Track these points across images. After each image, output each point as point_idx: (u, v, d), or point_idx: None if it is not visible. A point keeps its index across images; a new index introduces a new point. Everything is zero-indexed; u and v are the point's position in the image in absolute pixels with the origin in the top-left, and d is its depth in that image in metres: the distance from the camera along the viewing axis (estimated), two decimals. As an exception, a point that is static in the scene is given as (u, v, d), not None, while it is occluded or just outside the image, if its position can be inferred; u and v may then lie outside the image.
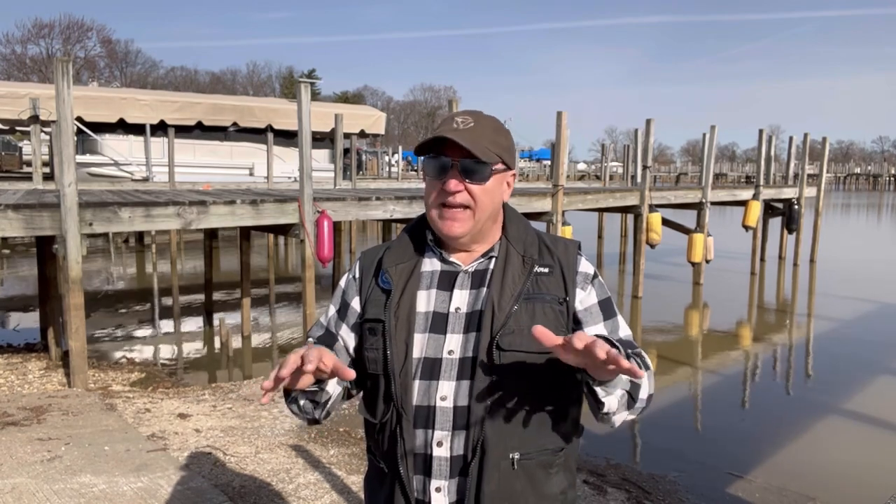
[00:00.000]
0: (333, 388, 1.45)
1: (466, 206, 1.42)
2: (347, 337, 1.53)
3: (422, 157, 1.47)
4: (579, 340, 1.16)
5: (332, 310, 1.58)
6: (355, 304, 1.53)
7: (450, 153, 1.41)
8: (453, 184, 1.41)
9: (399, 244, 1.54)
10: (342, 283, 1.59)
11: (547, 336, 1.20)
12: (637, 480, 4.94)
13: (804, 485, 5.05)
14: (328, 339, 1.54)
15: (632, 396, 1.35)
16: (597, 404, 1.33)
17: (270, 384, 1.22)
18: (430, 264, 1.50)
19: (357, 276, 1.55)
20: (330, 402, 1.47)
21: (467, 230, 1.43)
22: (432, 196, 1.45)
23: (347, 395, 1.56)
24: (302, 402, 1.44)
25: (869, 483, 5.16)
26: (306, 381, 1.31)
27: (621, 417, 1.38)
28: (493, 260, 1.47)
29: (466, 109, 1.50)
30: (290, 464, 4.54)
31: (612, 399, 1.32)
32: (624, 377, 1.29)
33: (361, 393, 1.54)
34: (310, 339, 1.59)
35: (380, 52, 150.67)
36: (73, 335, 6.24)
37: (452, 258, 1.49)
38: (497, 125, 1.47)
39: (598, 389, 1.30)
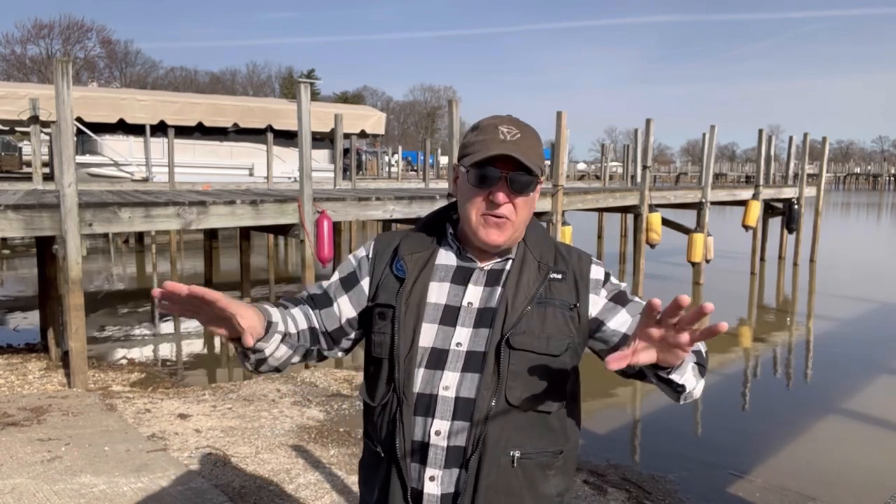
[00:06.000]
0: (274, 349, 1.40)
1: (509, 217, 1.44)
2: (345, 307, 1.53)
3: (464, 166, 1.45)
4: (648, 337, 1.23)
5: (336, 277, 1.57)
6: (364, 283, 1.53)
7: (499, 165, 1.41)
8: (502, 196, 1.42)
9: (417, 234, 1.56)
10: (353, 258, 1.59)
11: (619, 357, 1.23)
12: (637, 480, 4.94)
13: (804, 485, 5.05)
14: (323, 301, 1.54)
15: (700, 363, 1.41)
16: (675, 390, 1.37)
17: (159, 292, 1.19)
18: (447, 257, 1.52)
19: (371, 256, 1.55)
20: (279, 361, 1.44)
21: (507, 239, 1.46)
22: (475, 206, 1.44)
23: (320, 356, 1.55)
24: (251, 358, 1.40)
25: (869, 483, 5.16)
26: (227, 331, 1.28)
27: (699, 388, 1.43)
28: (510, 261, 1.50)
29: (507, 116, 1.50)
30: (291, 464, 4.54)
31: (688, 377, 1.36)
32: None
33: (363, 376, 1.55)
34: (303, 293, 1.59)
35: (379, 52, 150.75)
36: (73, 335, 6.24)
37: (470, 254, 1.51)
38: (537, 134, 1.49)
39: (674, 376, 1.33)
